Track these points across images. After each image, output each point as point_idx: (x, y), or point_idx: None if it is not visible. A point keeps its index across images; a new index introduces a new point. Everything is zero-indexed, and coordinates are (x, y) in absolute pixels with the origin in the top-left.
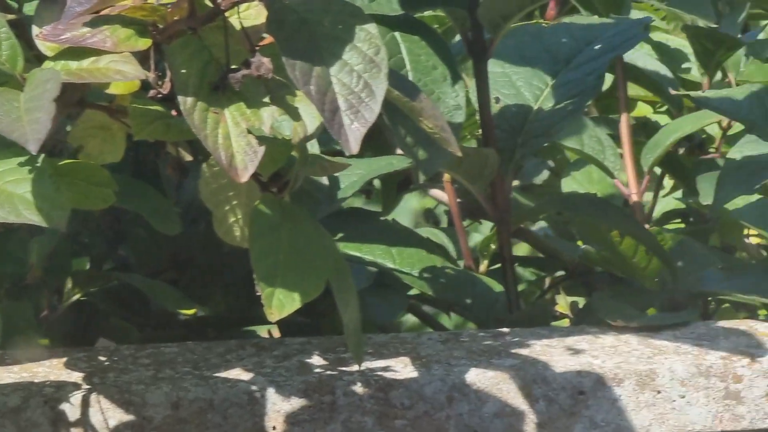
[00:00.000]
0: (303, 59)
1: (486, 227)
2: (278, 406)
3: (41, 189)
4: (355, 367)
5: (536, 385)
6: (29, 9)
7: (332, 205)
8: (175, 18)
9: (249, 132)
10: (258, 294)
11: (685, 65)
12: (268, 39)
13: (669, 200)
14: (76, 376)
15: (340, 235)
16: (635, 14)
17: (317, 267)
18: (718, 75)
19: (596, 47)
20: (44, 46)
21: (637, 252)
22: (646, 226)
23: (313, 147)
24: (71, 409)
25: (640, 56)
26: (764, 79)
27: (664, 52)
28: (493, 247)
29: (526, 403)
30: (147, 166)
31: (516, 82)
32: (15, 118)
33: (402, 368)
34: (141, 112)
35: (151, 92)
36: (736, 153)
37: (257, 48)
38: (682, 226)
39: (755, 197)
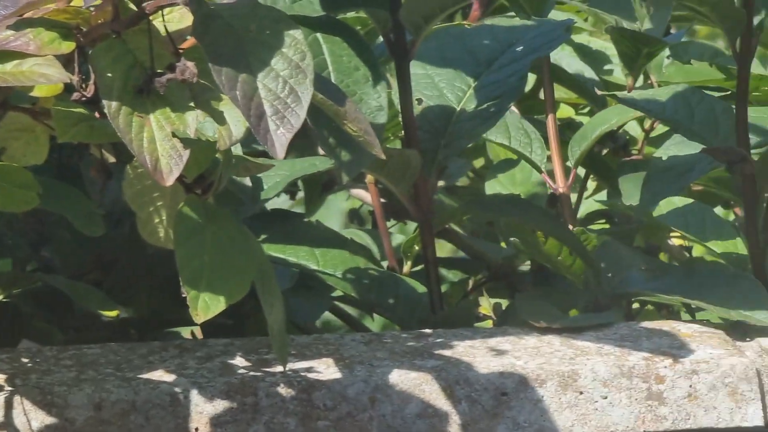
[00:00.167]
0: (229, 65)
1: (411, 228)
2: (201, 408)
3: None
4: (278, 368)
5: (459, 386)
6: None
7: (256, 206)
8: (99, 21)
9: (174, 135)
10: (184, 296)
11: (607, 67)
12: (190, 41)
13: (593, 201)
14: None
15: (264, 236)
16: (559, 15)
17: (242, 269)
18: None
19: (518, 49)
20: None
21: (561, 251)
22: (570, 227)
23: (236, 148)
24: None
25: (564, 57)
26: (685, 80)
27: (586, 53)
28: (416, 248)
29: (449, 404)
30: (70, 169)
31: (438, 84)
32: None
33: (325, 369)
34: (64, 115)
35: (75, 95)
36: (662, 153)
37: (182, 51)
38: (607, 226)
39: (677, 199)
